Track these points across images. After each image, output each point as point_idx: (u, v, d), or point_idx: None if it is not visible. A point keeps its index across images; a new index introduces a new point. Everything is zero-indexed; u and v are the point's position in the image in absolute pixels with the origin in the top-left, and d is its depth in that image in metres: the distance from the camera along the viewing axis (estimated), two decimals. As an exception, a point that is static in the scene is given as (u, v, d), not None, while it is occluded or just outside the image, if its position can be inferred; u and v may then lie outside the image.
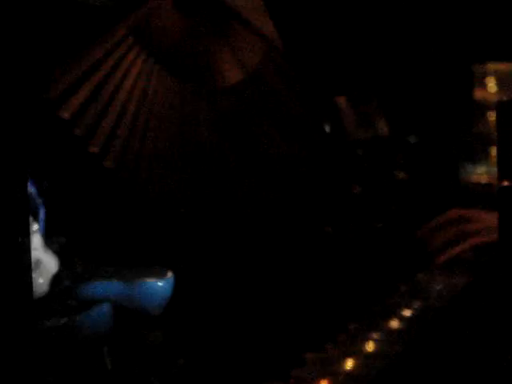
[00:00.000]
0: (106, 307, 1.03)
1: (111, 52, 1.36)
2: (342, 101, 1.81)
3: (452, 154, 2.11)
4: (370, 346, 1.26)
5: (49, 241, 1.04)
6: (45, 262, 1.01)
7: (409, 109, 2.04)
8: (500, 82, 2.01)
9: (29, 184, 1.04)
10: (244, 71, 1.53)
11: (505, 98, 1.96)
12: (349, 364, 1.19)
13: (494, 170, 2.06)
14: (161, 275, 1.06)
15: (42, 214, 1.06)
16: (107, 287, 1.05)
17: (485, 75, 2.04)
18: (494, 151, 1.99)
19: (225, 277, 1.38)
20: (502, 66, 2.02)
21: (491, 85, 2.02)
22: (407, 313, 1.39)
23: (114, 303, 1.04)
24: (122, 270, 1.08)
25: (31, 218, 1.00)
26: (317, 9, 1.84)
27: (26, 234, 0.79)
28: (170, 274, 1.07)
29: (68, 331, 0.97)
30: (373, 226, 1.68)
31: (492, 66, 2.03)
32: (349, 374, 1.16)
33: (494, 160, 2.01)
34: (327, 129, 1.73)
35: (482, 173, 2.04)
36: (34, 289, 0.88)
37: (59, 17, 1.25)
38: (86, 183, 1.27)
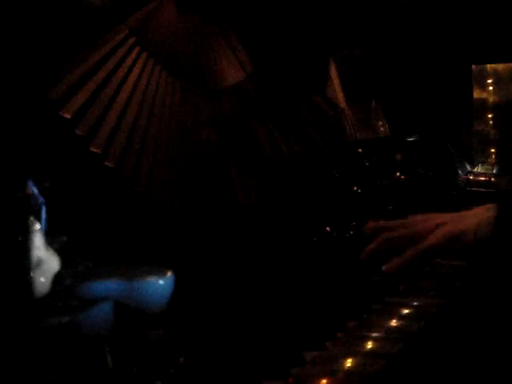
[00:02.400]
0: (107, 306, 1.03)
1: (112, 53, 1.36)
2: (342, 101, 1.82)
3: (452, 153, 2.12)
4: (369, 345, 1.26)
5: (50, 240, 1.05)
6: (46, 261, 1.01)
7: (409, 109, 2.04)
8: (498, 83, 2.02)
9: (30, 183, 1.05)
10: (244, 71, 1.53)
11: (503, 98, 1.97)
12: (348, 363, 1.19)
13: (493, 169, 2.06)
14: (161, 274, 1.06)
15: (43, 213, 1.06)
16: (108, 286, 1.05)
17: (483, 75, 2.04)
18: (493, 150, 2.00)
19: (225, 276, 1.38)
20: (500, 67, 2.03)
21: (490, 85, 2.03)
22: (407, 312, 1.39)
23: (115, 302, 1.04)
24: (122, 268, 1.08)
25: (33, 217, 1.01)
26: (317, 8, 1.84)
27: (27, 234, 0.79)
28: (170, 273, 1.07)
29: (69, 330, 0.97)
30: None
31: (490, 67, 2.04)
32: (348, 372, 1.16)
33: (493, 159, 2.01)
34: (328, 130, 1.73)
35: (480, 172, 2.04)
36: (35, 288, 0.89)
37: (61, 18, 1.26)
38: (87, 183, 1.28)
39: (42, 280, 1.01)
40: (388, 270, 1.55)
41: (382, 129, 2.00)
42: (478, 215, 1.54)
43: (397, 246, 1.56)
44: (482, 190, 1.99)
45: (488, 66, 2.10)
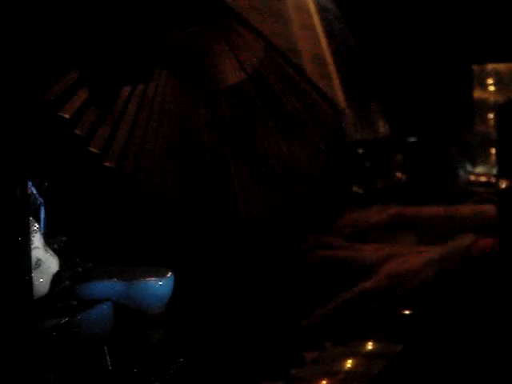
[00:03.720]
0: (106, 307, 1.03)
1: (111, 52, 1.36)
2: (342, 100, 1.82)
3: (452, 153, 2.11)
4: (368, 346, 1.26)
5: (49, 240, 1.05)
6: (45, 262, 1.01)
7: (408, 109, 2.04)
8: (499, 83, 2.02)
9: (29, 184, 1.05)
10: (244, 71, 1.53)
11: (503, 98, 1.97)
12: (348, 363, 1.19)
13: (493, 169, 2.06)
14: (161, 275, 1.06)
15: (42, 213, 1.06)
16: (107, 287, 1.05)
17: (484, 75, 2.04)
18: (493, 151, 2.00)
19: (225, 277, 1.38)
20: (501, 67, 2.02)
21: (490, 85, 2.02)
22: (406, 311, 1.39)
23: (114, 303, 1.04)
24: (122, 269, 1.09)
25: (32, 218, 1.00)
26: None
27: (26, 234, 0.79)
28: (169, 274, 1.07)
29: (69, 330, 0.97)
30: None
31: (491, 67, 2.04)
32: (348, 373, 1.16)
33: (494, 159, 2.01)
34: (328, 130, 1.73)
35: (481, 172, 2.04)
36: (34, 288, 0.88)
37: (60, 18, 1.26)
38: (86, 183, 1.28)
39: (41, 280, 1.00)
40: (310, 322, 1.34)
41: (382, 129, 2.00)
42: (436, 249, 1.36)
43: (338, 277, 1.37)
44: (483, 190, 1.99)
45: (488, 65, 2.10)
